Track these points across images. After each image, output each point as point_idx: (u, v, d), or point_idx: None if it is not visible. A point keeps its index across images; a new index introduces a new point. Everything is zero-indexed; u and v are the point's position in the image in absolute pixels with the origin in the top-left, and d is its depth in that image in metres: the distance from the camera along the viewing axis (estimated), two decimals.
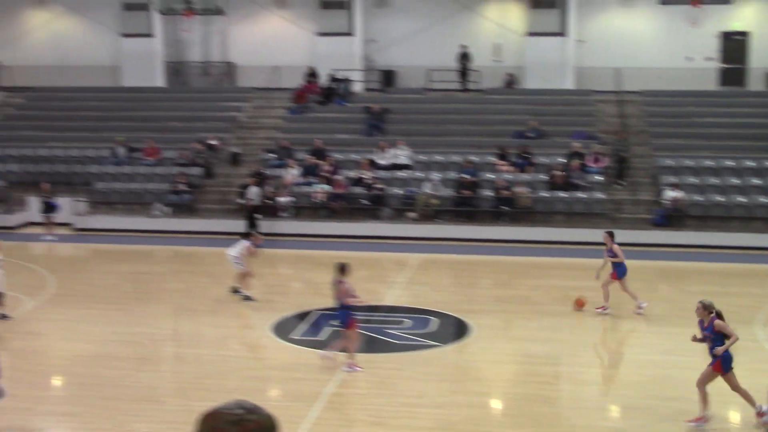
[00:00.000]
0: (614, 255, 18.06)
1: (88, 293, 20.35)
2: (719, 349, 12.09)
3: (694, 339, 12.65)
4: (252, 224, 26.17)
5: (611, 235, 18.48)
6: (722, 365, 12.15)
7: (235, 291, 19.34)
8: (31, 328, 17.53)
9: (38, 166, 30.45)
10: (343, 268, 14.79)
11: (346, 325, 14.72)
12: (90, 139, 32.08)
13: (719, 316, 12.28)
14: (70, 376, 14.67)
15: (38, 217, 27.56)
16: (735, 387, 12.33)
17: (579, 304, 18.18)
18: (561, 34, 33.69)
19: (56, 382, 14.70)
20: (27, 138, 32.32)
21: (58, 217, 27.38)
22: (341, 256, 24.13)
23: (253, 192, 26.78)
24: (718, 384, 12.30)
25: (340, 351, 14.69)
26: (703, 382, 12.33)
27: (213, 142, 30.35)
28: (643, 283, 21.71)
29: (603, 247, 18.43)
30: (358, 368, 14.49)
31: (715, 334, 12.22)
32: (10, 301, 18.08)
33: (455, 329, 17.59)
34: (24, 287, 20.24)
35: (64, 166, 30.39)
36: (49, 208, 27.12)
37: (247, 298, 19.06)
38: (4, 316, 17.45)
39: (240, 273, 19.27)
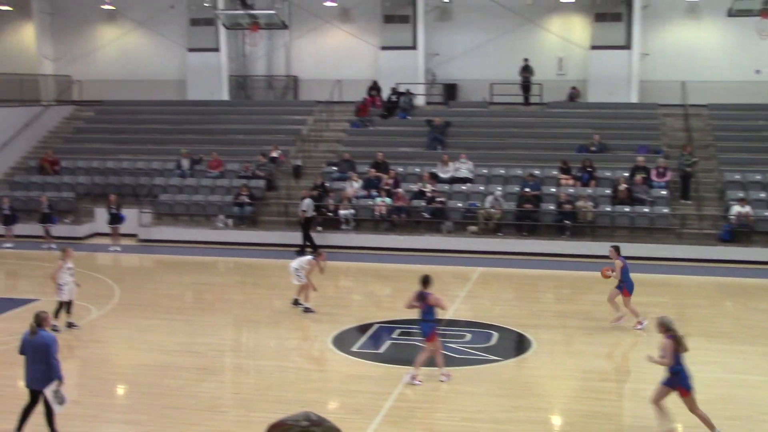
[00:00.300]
0: (623, 270, 17.76)
1: (152, 303, 20.63)
2: (655, 359, 12.38)
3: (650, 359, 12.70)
4: (306, 236, 26.39)
5: (617, 249, 18.23)
6: (682, 385, 12.16)
7: (296, 303, 19.46)
8: (97, 337, 17.85)
9: (106, 177, 31.04)
10: (427, 280, 14.73)
11: (428, 337, 14.68)
12: (156, 152, 32.65)
13: (674, 338, 12.12)
14: (134, 385, 14.87)
15: (105, 227, 28.06)
16: (692, 409, 12.21)
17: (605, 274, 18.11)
18: (625, 47, 33.37)
19: (120, 390, 14.92)
20: (95, 150, 33.00)
21: (124, 228, 27.85)
22: (402, 269, 24.25)
23: (307, 204, 26.98)
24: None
25: (425, 365, 14.65)
26: (657, 399, 12.41)
27: (275, 155, 30.63)
28: (708, 300, 21.37)
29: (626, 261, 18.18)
30: (418, 381, 14.47)
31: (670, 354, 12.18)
32: (76, 310, 18.42)
33: (516, 344, 17.47)
34: (90, 296, 20.62)
35: (131, 178, 30.94)
36: (116, 219, 27.60)
37: (308, 310, 19.16)
38: (71, 325, 17.79)
39: (300, 286, 19.38)
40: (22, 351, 11.96)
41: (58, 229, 28.26)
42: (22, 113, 34.28)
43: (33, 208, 29.05)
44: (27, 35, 39.57)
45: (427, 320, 14.61)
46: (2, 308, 19.00)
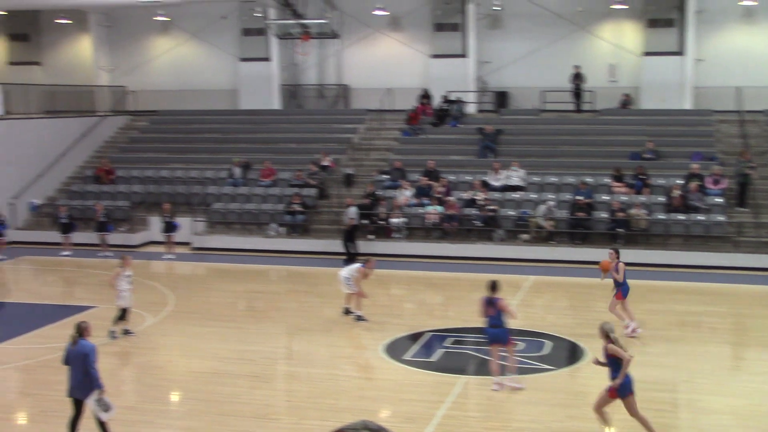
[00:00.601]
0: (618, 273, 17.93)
1: (206, 311, 20.82)
2: (616, 382, 11.98)
3: (596, 362, 12.65)
4: (351, 243, 26.52)
5: (617, 252, 18.30)
6: (617, 391, 12.07)
7: (347, 312, 19.51)
8: (152, 344, 18.05)
9: (160, 186, 31.43)
10: (495, 286, 14.84)
11: (506, 342, 14.78)
12: (209, 161, 32.99)
13: (613, 341, 12.06)
14: (188, 392, 15.02)
15: (159, 236, 28.41)
16: (633, 413, 12.17)
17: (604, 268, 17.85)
18: (679, 53, 32.99)
19: (175, 396, 15.07)
20: (149, 160, 33.46)
21: (178, 236, 28.17)
22: (453, 277, 24.20)
23: (352, 212, 27.06)
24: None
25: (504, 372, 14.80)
26: (599, 405, 12.35)
27: (326, 163, 30.78)
28: (766, 309, 21.00)
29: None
30: (519, 385, 14.70)
31: (609, 359, 12.09)
32: (132, 317, 18.65)
33: (569, 353, 17.33)
34: (145, 304, 20.90)
35: (184, 186, 31.30)
36: (170, 227, 27.93)
37: (360, 318, 19.20)
38: (127, 332, 18.02)
39: (351, 294, 19.41)
40: (66, 361, 12.03)
41: (113, 238, 28.70)
42: (79, 124, 34.87)
43: (89, 216, 29.54)
44: (84, 47, 40.30)
45: (498, 326, 14.69)
46: (60, 315, 19.31)
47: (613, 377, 12.09)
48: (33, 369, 16.26)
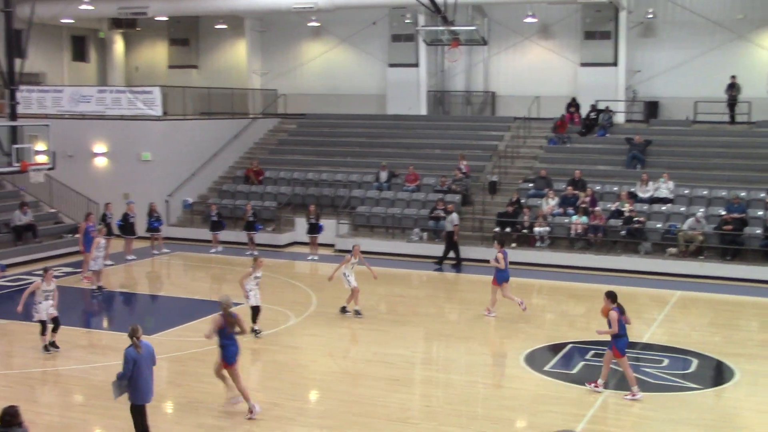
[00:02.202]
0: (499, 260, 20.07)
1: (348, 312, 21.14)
2: None
3: None
4: (453, 249, 26.76)
5: (501, 244, 20.80)
6: (225, 358, 13.60)
7: (344, 310, 20.63)
8: (294, 343, 18.46)
9: (306, 188, 32.09)
10: (613, 296, 14.92)
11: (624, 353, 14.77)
12: (355, 165, 33.48)
13: None
14: (328, 391, 15.28)
15: (304, 237, 29.01)
16: (237, 381, 13.67)
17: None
18: None
19: (315, 395, 15.36)
20: (297, 162, 34.22)
21: (322, 237, 28.70)
22: (596, 289, 23.72)
23: (455, 218, 27.03)
24: None
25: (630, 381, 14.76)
26: (217, 372, 14.03)
27: (462, 167, 30.79)
28: None
29: None
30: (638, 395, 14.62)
31: None
32: (276, 316, 19.13)
33: (716, 372, 16.77)
34: (289, 303, 21.43)
35: (330, 189, 31.86)
36: (314, 229, 28.48)
37: (357, 313, 20.31)
38: (255, 331, 18.46)
39: (350, 291, 20.47)
40: (135, 368, 11.80)
41: (260, 237, 29.49)
42: (232, 125, 36.00)
43: (238, 216, 30.46)
44: (239, 52, 41.66)
45: (624, 335, 14.73)
46: (207, 310, 19.95)
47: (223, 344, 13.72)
48: (183, 360, 16.90)
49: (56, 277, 18.48)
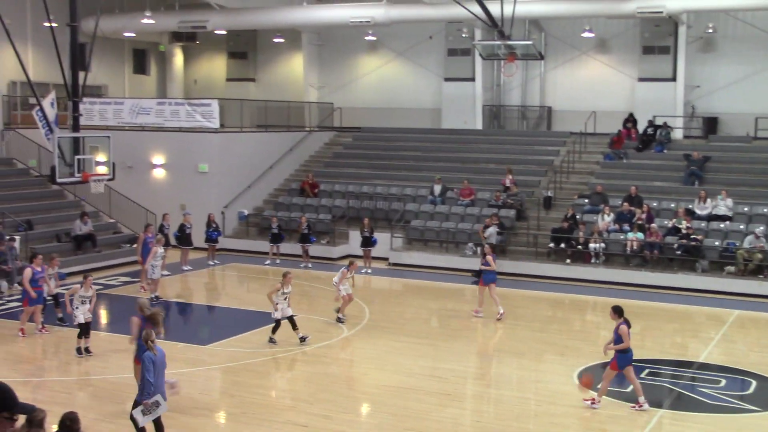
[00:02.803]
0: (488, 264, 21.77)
1: (400, 326, 21.16)
2: None
3: None
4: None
5: (492, 247, 22.88)
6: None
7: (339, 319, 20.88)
8: (348, 355, 18.54)
9: (360, 201, 32.21)
10: (620, 310, 15.06)
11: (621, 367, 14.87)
12: (409, 178, 33.55)
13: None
14: (380, 405, 15.29)
15: (358, 250, 29.12)
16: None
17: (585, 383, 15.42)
18: None
19: (367, 409, 15.39)
20: (352, 175, 34.37)
21: (376, 251, 28.78)
22: (651, 306, 23.52)
23: (490, 232, 26.98)
24: None
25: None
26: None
27: (507, 182, 30.71)
28: None
29: None
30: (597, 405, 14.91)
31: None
32: (329, 328, 19.22)
33: None
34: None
35: (384, 202, 31.94)
36: (368, 242, 28.58)
37: (339, 320, 20.65)
38: (272, 340, 18.82)
39: (339, 297, 20.83)
40: (156, 370, 12.04)
41: (314, 249, 29.67)
42: (289, 138, 36.30)
43: (293, 228, 30.69)
44: (296, 65, 42.04)
45: (631, 350, 14.86)
46: (261, 322, 20.12)
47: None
48: (236, 371, 17.06)
49: (112, 286, 18.84)
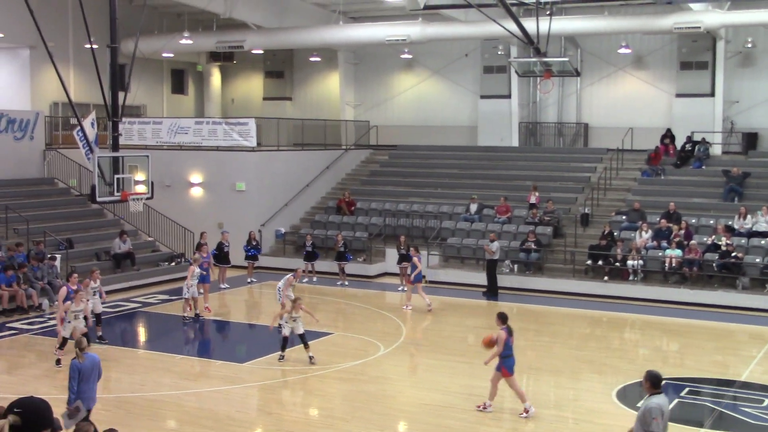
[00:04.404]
0: (416, 266, 24.85)
1: (436, 343, 21.13)
2: None
3: None
4: (492, 277, 27.23)
5: (417, 249, 26.14)
6: None
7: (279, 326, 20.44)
8: (384, 373, 18.52)
9: (396, 219, 32.25)
10: (504, 317, 15.72)
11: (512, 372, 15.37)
12: (445, 196, 33.56)
13: None
14: (416, 423, 15.26)
15: (394, 267, 29.11)
16: None
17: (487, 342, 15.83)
18: None
19: (404, 427, 15.36)
20: (388, 193, 34.45)
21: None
22: (691, 324, 23.28)
23: (495, 247, 27.08)
24: None
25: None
26: None
27: (533, 199, 30.61)
28: None
29: None
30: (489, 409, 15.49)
31: None
32: (366, 346, 19.19)
33: None
34: (379, 334, 21.52)
35: (420, 220, 31.95)
36: (404, 259, 28.53)
37: (279, 328, 19.92)
38: (282, 358, 18.97)
39: (281, 304, 20.72)
40: (81, 377, 12.62)
41: (350, 267, 29.73)
42: (325, 156, 36.48)
43: (330, 246, 30.78)
44: (332, 84, 42.27)
45: (511, 355, 15.40)
46: (298, 340, 20.16)
47: None
48: (273, 389, 17.13)
49: (150, 304, 19.02)
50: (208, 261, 24.95)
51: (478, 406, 15.64)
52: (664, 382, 10.55)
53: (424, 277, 25.57)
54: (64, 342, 18.78)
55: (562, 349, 20.51)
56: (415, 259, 25.42)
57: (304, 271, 29.69)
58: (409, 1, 29.29)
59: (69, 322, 18.76)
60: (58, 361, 18.51)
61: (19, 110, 33.20)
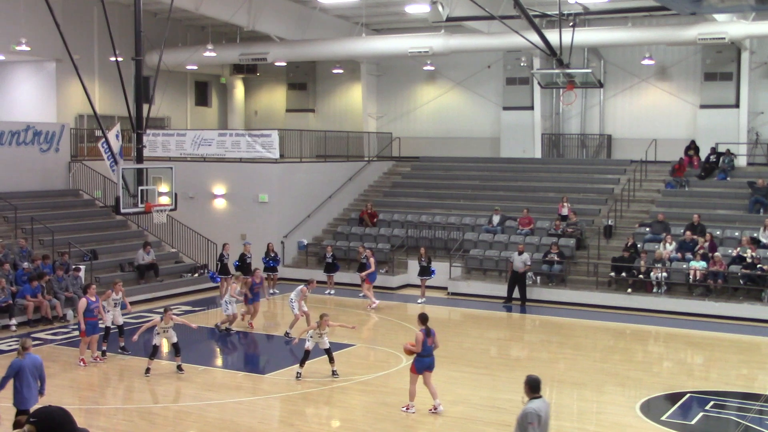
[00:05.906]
0: (370, 265, 27.16)
1: (459, 356, 21.04)
2: None
3: None
4: (514, 289, 27.48)
5: (367, 249, 28.34)
6: None
7: (286, 333, 22.28)
8: (404, 385, 18.44)
9: (419, 231, 32.23)
10: (424, 318, 16.34)
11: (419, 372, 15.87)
12: (468, 207, 33.52)
13: None
14: None
15: (416, 279, 29.09)
16: None
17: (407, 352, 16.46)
18: None
19: None
20: (411, 204, 34.45)
21: (435, 280, 28.71)
22: (716, 337, 23.10)
23: (519, 259, 27.11)
24: None
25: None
26: None
27: (564, 212, 30.50)
28: None
29: None
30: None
31: None
32: (388, 358, 19.14)
33: None
34: (400, 345, 21.41)
35: (443, 231, 31.91)
36: (425, 271, 28.53)
37: (287, 335, 21.94)
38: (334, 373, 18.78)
39: (295, 315, 21.96)
40: (20, 374, 13.13)
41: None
42: (348, 168, 36.54)
43: (352, 257, 30.79)
44: (355, 96, 42.38)
45: (426, 356, 15.88)
46: (320, 352, 20.17)
47: None
48: (294, 400, 17.12)
49: (176, 314, 19.16)
50: (260, 286, 25.03)
51: (403, 407, 16.19)
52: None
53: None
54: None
55: (586, 361, 20.40)
56: (371, 260, 27.74)
57: (325, 283, 29.79)
58: (432, 13, 29.33)
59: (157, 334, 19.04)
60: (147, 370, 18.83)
61: (45, 122, 33.52)
